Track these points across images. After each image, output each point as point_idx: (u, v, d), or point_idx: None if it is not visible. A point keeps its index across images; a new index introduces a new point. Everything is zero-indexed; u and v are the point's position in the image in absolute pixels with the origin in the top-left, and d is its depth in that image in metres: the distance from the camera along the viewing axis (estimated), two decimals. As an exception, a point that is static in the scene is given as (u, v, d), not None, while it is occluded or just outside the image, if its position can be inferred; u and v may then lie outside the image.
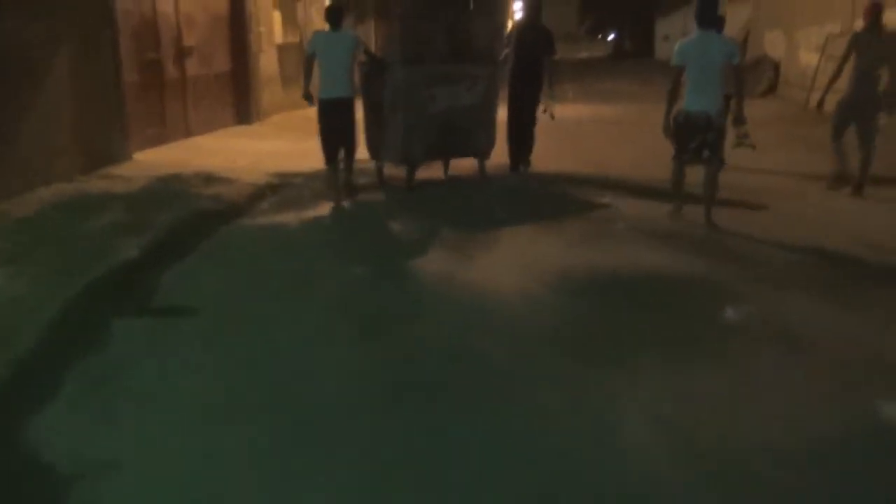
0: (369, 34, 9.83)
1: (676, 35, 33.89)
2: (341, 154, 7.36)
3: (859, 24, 13.82)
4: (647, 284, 4.83)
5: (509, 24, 54.08)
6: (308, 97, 7.47)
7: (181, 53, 10.89)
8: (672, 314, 4.36)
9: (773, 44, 18.74)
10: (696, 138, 5.92)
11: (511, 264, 5.26)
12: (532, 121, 8.75)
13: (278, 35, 14.50)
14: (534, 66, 8.53)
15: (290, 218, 6.68)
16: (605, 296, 4.65)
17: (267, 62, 13.85)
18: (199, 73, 11.45)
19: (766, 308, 4.39)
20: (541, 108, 8.66)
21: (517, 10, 59.61)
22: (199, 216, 6.65)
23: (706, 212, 6.11)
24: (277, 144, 11.24)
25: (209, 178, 8.28)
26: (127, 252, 5.42)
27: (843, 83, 7.43)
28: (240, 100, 12.79)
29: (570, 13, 59.85)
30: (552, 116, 8.65)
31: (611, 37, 57.83)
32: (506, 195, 7.78)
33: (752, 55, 19.80)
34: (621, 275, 4.98)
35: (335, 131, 7.25)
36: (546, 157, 9.53)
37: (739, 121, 6.32)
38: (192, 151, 10.22)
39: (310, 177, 8.61)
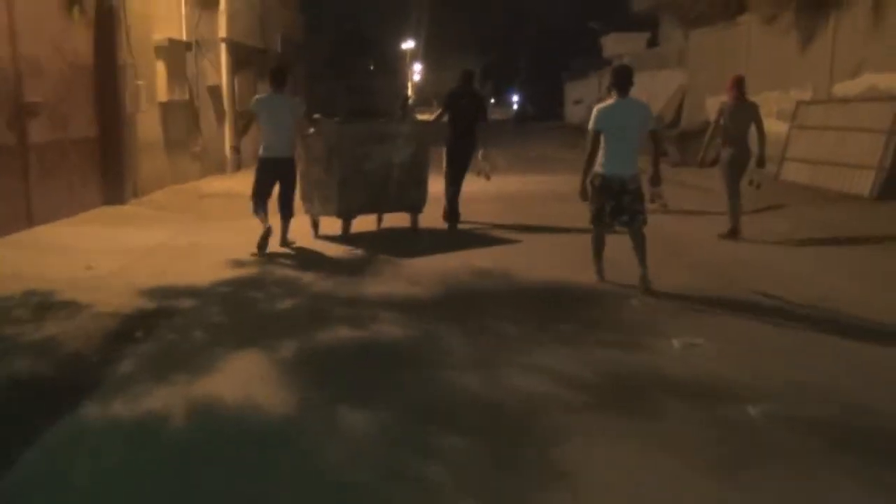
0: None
1: (591, 98, 33.08)
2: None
3: (840, 88, 12.64)
4: None
5: (409, 85, 53.38)
6: (237, 149, 8.26)
7: (20, 112, 7.88)
8: None
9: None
10: (610, 202, 6.00)
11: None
12: (463, 176, 9.01)
13: (162, 91, 11.60)
14: (468, 130, 8.89)
15: (171, 399, 3.79)
16: None
17: (147, 124, 10.93)
18: (48, 138, 8.43)
19: None
20: (476, 170, 9.15)
21: (416, 72, 59.29)
22: (3, 403, 3.72)
23: (643, 273, 5.87)
24: (159, 235, 8.30)
25: (43, 304, 5.35)
26: None
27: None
28: (109, 173, 9.78)
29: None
30: (487, 178, 9.35)
31: (515, 100, 57.56)
32: (492, 300, 5.23)
33: (693, 121, 18.45)
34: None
35: (270, 188, 7.49)
36: (526, 254, 7.36)
37: (655, 182, 6.58)
38: (30, 251, 7.16)
39: (206, 297, 5.77)
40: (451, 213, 8.96)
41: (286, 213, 7.55)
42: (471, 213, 9.40)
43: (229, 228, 8.87)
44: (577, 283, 6.22)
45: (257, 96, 7.84)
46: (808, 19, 12.98)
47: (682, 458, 3.19)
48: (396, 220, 8.83)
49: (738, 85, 8.06)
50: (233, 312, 5.41)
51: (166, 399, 3.82)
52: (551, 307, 5.61)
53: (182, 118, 12.42)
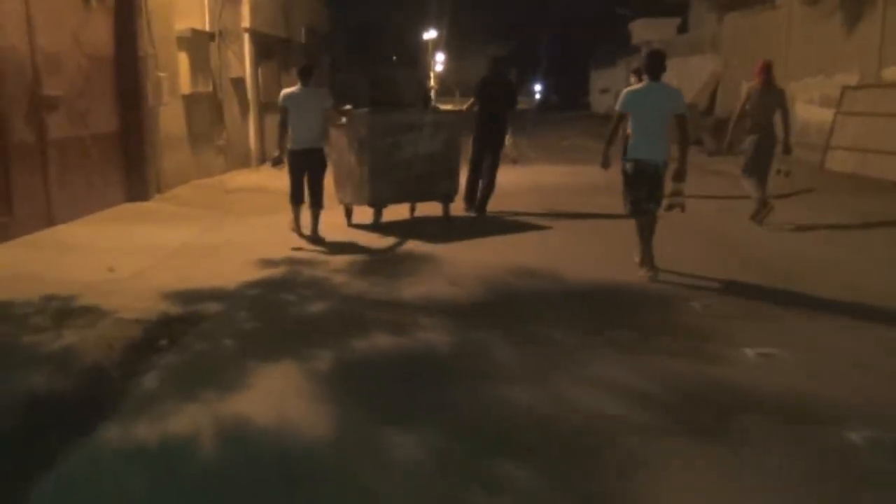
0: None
1: (618, 87, 32.44)
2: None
3: (890, 73, 12.03)
4: None
5: (431, 75, 53.17)
6: (279, 163, 7.66)
7: (39, 107, 7.59)
8: None
9: (757, 96, 16.71)
10: (644, 188, 5.85)
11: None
12: (496, 167, 9.04)
13: (185, 83, 11.31)
14: (498, 117, 9.02)
15: (199, 418, 3.45)
16: None
17: (169, 118, 10.63)
18: (68, 134, 8.14)
19: None
20: (503, 154, 9.27)
21: (438, 62, 58.86)
22: (14, 424, 3.41)
23: (649, 256, 5.88)
24: (184, 234, 7.99)
25: (63, 310, 5.03)
26: None
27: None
28: (131, 169, 9.49)
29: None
30: (514, 161, 9.59)
31: (538, 89, 56.97)
32: (549, 307, 4.84)
33: (728, 109, 17.83)
34: None
35: (304, 179, 7.58)
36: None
37: (680, 176, 5.91)
38: (49, 251, 6.89)
39: (234, 300, 5.43)
40: (472, 196, 9.01)
41: (316, 202, 7.56)
42: (506, 205, 9.15)
43: (257, 224, 8.56)
44: (626, 282, 5.81)
45: (285, 91, 7.72)
46: (854, 0, 12.37)
47: (776, 491, 2.79)
48: (428, 208, 8.72)
49: (767, 70, 7.97)
50: (263, 318, 5.06)
51: (193, 418, 3.48)
52: (603, 310, 5.21)
53: (205, 111, 12.13)
